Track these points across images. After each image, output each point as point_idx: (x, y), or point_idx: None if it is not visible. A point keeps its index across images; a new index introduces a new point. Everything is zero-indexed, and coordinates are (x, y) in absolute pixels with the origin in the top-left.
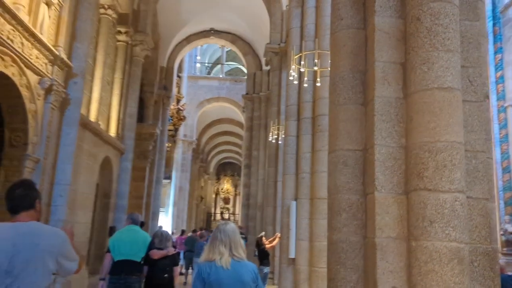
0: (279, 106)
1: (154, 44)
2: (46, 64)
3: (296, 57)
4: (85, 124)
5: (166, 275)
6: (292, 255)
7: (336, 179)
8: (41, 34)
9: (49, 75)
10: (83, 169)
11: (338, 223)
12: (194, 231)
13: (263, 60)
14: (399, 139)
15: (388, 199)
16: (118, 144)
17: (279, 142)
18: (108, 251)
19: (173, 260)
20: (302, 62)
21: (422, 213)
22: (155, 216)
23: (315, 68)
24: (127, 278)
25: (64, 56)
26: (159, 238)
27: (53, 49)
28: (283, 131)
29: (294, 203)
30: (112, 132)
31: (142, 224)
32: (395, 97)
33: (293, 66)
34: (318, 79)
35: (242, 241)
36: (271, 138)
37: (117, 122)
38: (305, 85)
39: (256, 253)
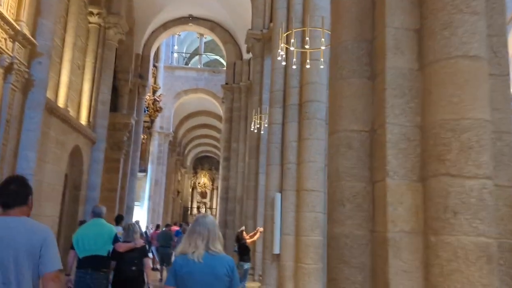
0: (261, 95)
1: (129, 29)
2: (5, 39)
3: (284, 35)
4: (52, 109)
5: (134, 267)
6: (276, 250)
7: (338, 164)
8: (0, 5)
9: (9, 52)
10: (49, 158)
11: (340, 215)
12: (168, 225)
13: (243, 48)
14: (414, 117)
15: (401, 186)
16: (89, 132)
17: (262, 132)
18: (72, 247)
19: (141, 252)
20: (293, 40)
21: (444, 202)
22: (130, 210)
23: (306, 47)
24: (93, 274)
25: (27, 32)
26: (126, 231)
27: (14, 23)
28: (266, 120)
29: (278, 195)
30: (83, 119)
31: (121, 218)
32: (409, 68)
33: (282, 45)
34: (308, 61)
35: (221, 234)
36: (253, 127)
37: (88, 109)
38: (294, 67)
39: (236, 249)
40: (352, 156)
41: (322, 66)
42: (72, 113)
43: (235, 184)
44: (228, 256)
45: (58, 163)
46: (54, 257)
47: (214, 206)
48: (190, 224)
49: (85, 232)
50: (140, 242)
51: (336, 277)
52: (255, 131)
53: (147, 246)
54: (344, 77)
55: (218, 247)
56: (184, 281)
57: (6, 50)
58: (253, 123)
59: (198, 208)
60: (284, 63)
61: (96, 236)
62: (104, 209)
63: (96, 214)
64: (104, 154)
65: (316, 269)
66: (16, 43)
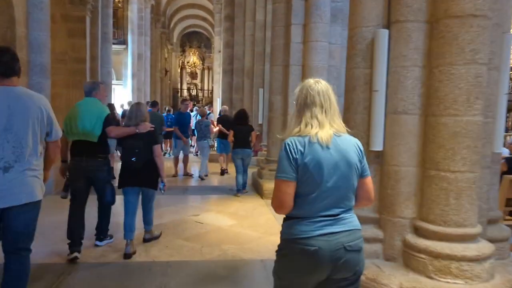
0: None
1: None
2: None
3: None
4: None
5: (134, 158)
6: (377, 145)
7: None
8: None
9: None
10: None
11: None
12: (154, 104)
13: None
14: None
15: None
16: None
17: None
18: (63, 131)
19: (148, 139)
20: None
21: None
22: (107, 88)
23: None
24: (89, 161)
25: None
26: (128, 114)
27: None
28: None
29: (383, 33)
30: None
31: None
32: None
33: None
34: None
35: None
36: None
37: None
38: None
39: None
40: None
41: None
42: None
43: (241, 52)
44: (354, 138)
45: None
46: (57, 126)
47: (206, 88)
48: (298, 93)
49: (72, 114)
50: (144, 127)
51: None
52: None
53: None
54: None
55: (341, 124)
56: (308, 174)
57: None
58: None
59: (189, 89)
60: None
61: (83, 119)
62: (93, 85)
63: (86, 92)
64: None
65: (472, 181)
66: None
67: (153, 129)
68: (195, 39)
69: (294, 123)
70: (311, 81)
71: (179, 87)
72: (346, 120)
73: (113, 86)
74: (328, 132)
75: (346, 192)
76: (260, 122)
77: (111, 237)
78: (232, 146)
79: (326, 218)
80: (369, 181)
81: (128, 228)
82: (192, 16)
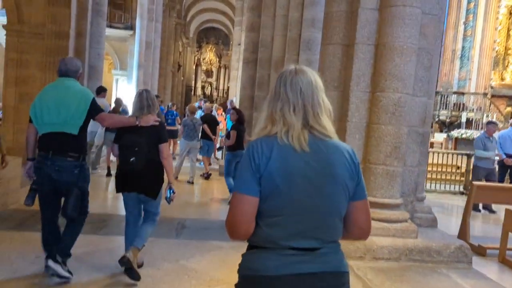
0: None
1: None
2: None
3: None
4: None
5: (133, 158)
6: None
7: None
8: None
9: None
10: None
11: None
12: (99, 91)
13: None
14: None
15: None
16: None
17: None
18: (31, 120)
19: (153, 134)
20: None
21: None
22: (95, 73)
23: None
24: (57, 160)
25: None
26: (138, 102)
27: None
28: None
29: None
30: None
31: (102, 90)
32: None
33: None
34: None
35: (329, 105)
36: None
37: None
38: None
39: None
40: None
41: None
42: None
43: (269, 38)
44: (347, 144)
45: None
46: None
47: (221, 87)
48: (275, 82)
49: (43, 98)
50: (147, 119)
51: None
52: None
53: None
54: None
55: (328, 125)
56: (273, 187)
57: None
58: None
59: (203, 88)
60: None
61: (58, 104)
62: (74, 63)
63: (63, 72)
64: None
65: None
66: None
67: (158, 123)
68: (212, 35)
69: (264, 120)
70: (291, 67)
71: (192, 84)
72: None
73: (116, 77)
74: (301, 134)
75: (328, 218)
76: None
77: (70, 273)
78: (231, 148)
79: (299, 252)
80: (364, 205)
81: (130, 239)
82: (211, 9)
